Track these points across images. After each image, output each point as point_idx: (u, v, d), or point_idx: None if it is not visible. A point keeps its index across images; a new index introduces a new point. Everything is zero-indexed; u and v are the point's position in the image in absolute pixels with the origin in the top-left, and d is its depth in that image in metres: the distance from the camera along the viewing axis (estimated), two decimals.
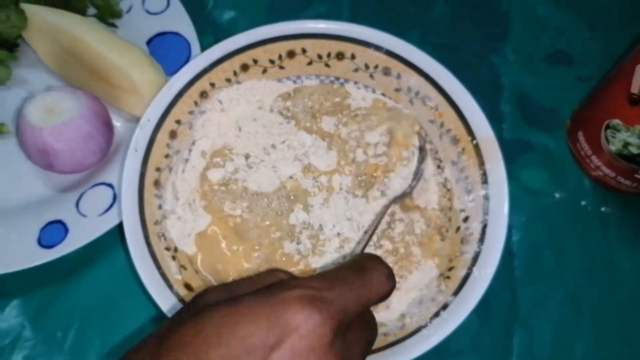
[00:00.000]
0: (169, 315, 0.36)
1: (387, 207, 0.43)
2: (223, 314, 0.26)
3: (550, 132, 0.50)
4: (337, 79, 0.47)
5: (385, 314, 0.41)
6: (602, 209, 0.47)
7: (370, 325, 0.31)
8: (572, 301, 0.44)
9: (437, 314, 0.38)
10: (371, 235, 0.41)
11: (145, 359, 0.25)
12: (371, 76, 0.46)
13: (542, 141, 0.50)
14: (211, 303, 0.27)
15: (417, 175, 0.44)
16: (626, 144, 0.43)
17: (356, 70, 0.46)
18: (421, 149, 0.45)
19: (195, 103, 0.44)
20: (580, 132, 0.47)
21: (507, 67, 0.52)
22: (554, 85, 0.52)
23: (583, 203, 0.48)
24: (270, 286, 0.28)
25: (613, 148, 0.44)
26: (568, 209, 0.47)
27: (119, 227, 0.42)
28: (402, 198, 0.44)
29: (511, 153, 0.43)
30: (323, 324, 0.25)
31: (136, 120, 0.43)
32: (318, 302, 0.26)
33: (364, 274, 0.30)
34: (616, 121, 0.43)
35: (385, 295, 0.30)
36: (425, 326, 0.38)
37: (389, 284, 0.30)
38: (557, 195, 0.48)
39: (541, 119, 0.51)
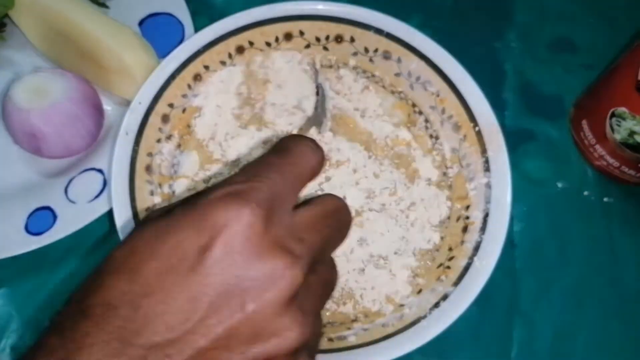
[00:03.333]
0: None
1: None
2: (153, 228, 0.25)
3: (553, 120, 0.49)
4: (335, 62, 0.46)
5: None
6: (605, 199, 0.47)
7: (330, 267, 0.30)
8: (574, 293, 0.44)
9: (436, 305, 0.37)
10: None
11: (87, 286, 0.25)
12: (371, 60, 0.45)
13: (544, 130, 0.49)
14: (146, 221, 0.27)
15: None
16: (632, 133, 0.42)
17: (355, 54, 0.45)
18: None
19: (189, 86, 0.43)
20: (584, 121, 0.46)
21: (510, 53, 0.51)
22: (557, 72, 0.51)
23: (586, 193, 0.47)
24: (202, 193, 0.27)
25: (618, 137, 0.43)
26: (571, 199, 0.46)
27: (109, 214, 0.40)
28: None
29: (513, 141, 0.42)
30: (251, 214, 0.24)
31: (127, 103, 0.41)
32: (242, 194, 0.25)
33: (287, 153, 0.29)
34: (622, 109, 0.42)
35: (316, 167, 0.30)
36: (424, 317, 0.37)
37: (316, 156, 0.30)
38: (559, 185, 0.47)
39: (544, 107, 0.49)
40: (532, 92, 0.50)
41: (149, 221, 0.26)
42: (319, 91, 0.43)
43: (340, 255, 0.41)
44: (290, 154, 0.29)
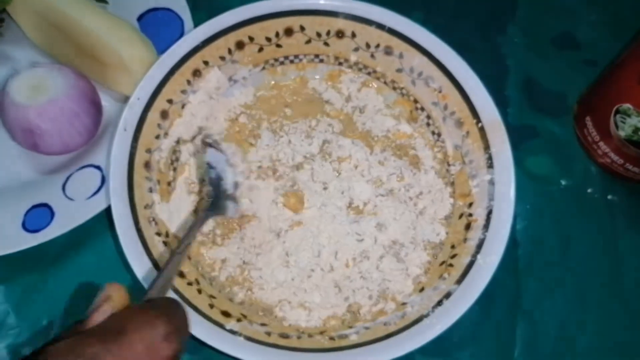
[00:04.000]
0: None
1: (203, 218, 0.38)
2: None
3: (557, 117, 0.48)
4: (336, 58, 0.45)
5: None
6: (609, 197, 0.46)
7: None
8: (577, 292, 0.43)
9: (439, 303, 0.37)
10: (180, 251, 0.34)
11: None
12: (372, 56, 0.45)
13: (548, 126, 0.48)
14: None
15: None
16: (636, 129, 0.41)
17: (356, 49, 0.45)
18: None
19: (188, 82, 0.42)
20: (588, 118, 0.46)
21: (513, 49, 0.51)
22: (560, 68, 0.50)
23: (589, 191, 0.46)
24: None
25: (622, 134, 0.43)
26: (574, 196, 0.46)
27: (107, 211, 0.40)
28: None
29: (516, 138, 0.41)
30: None
31: (126, 100, 0.41)
32: None
33: (121, 340, 0.23)
34: (626, 106, 0.41)
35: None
36: (427, 315, 0.37)
37: (168, 349, 0.24)
38: (562, 182, 0.46)
39: (547, 104, 0.49)
40: (535, 88, 0.50)
41: None
42: (209, 172, 0.39)
43: (368, 249, 0.41)
44: (126, 343, 0.23)
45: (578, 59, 0.51)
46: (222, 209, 0.39)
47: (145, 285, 0.35)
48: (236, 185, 0.40)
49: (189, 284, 0.37)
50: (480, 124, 0.41)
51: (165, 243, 0.38)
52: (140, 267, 0.36)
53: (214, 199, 0.39)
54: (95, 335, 0.23)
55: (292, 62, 0.46)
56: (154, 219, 0.39)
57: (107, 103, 0.47)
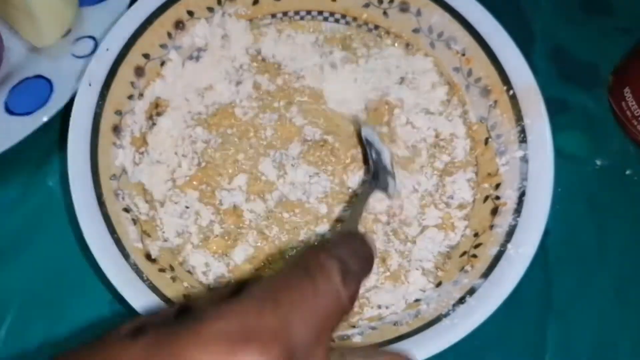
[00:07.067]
0: (124, 294, 0.29)
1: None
2: None
3: (589, 89, 0.44)
4: (343, 17, 0.40)
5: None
6: None
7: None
8: (616, 288, 0.39)
9: (461, 300, 0.32)
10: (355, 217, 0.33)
11: None
12: (385, 13, 0.39)
13: (579, 100, 0.44)
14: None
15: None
16: None
17: (367, 5, 0.39)
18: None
19: (169, 35, 0.37)
20: (627, 89, 0.41)
21: (539, 14, 0.47)
22: (592, 36, 0.46)
23: (628, 172, 0.42)
24: (181, 313, 0.19)
25: None
26: (611, 178, 0.42)
27: (66, 188, 0.33)
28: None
29: None
30: None
31: (34, 50, 0.35)
32: (252, 336, 0.18)
33: (309, 279, 0.21)
34: None
35: (342, 308, 0.22)
36: (446, 315, 0.32)
37: (345, 292, 0.21)
38: (598, 162, 0.42)
39: (578, 75, 0.45)
40: (564, 57, 0.45)
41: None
42: (368, 148, 0.37)
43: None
44: (313, 283, 0.21)
45: (611, 25, 0.46)
46: (384, 183, 0.36)
47: (106, 270, 0.30)
48: (392, 163, 0.37)
49: (161, 270, 0.32)
50: (511, 92, 0.36)
51: (134, 221, 0.33)
52: (101, 247, 0.30)
53: (375, 172, 0.36)
54: (292, 273, 0.21)
55: (291, 19, 0.40)
56: (122, 192, 0.33)
57: (15, 47, 0.39)
